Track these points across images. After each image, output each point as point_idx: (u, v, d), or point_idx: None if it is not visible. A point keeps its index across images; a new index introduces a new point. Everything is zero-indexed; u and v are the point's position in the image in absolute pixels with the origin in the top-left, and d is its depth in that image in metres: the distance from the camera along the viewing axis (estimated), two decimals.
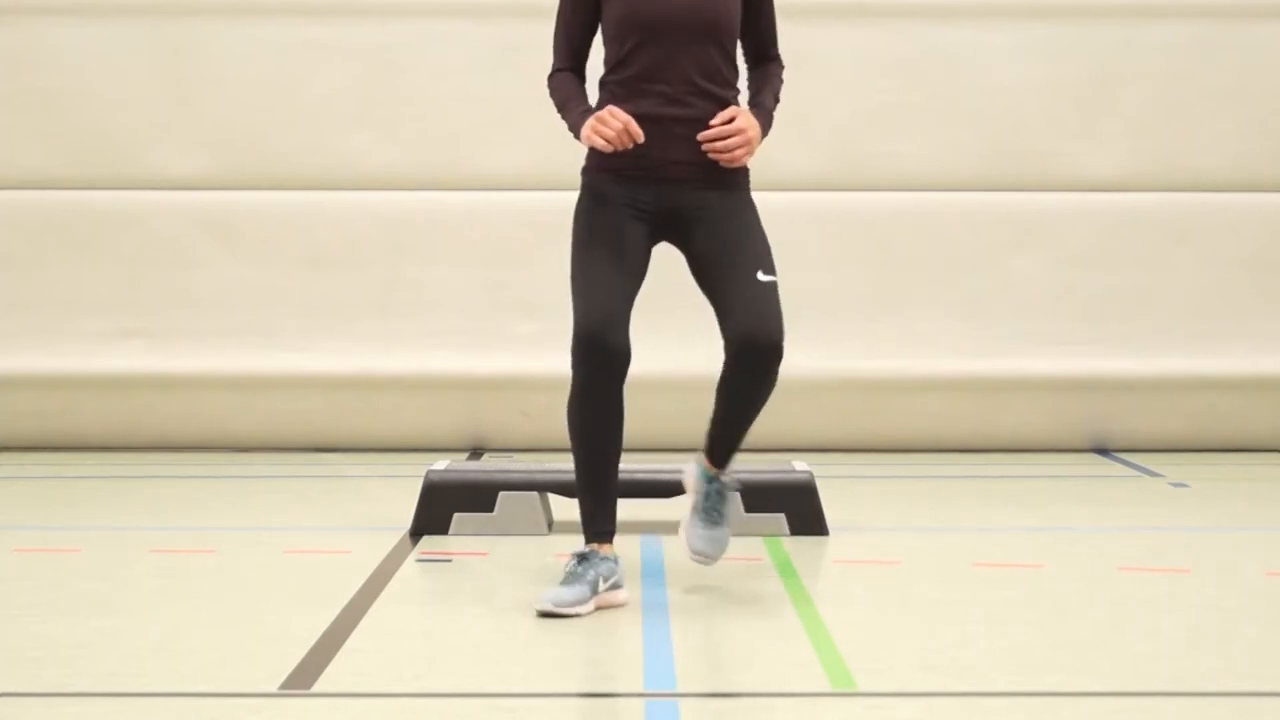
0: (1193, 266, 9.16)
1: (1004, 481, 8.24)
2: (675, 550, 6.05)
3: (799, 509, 6.39)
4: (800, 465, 6.61)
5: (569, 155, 9.24)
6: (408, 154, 9.14)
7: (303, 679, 4.27)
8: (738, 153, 5.13)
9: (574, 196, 9.29)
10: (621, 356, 5.09)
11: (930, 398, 9.10)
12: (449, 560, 5.96)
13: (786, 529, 6.37)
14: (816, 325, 9.10)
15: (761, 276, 5.15)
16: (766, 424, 9.01)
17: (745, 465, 6.60)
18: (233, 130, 9.12)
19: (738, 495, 5.67)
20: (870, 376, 9.09)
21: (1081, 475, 8.40)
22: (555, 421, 9.06)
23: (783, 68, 5.39)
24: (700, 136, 5.12)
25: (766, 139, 5.27)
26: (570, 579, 5.08)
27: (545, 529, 6.38)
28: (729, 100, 5.19)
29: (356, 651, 4.58)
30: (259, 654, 4.56)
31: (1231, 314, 9.15)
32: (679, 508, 6.51)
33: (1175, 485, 7.98)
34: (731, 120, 5.12)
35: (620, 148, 5.12)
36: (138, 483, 8.16)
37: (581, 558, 5.13)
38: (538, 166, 9.08)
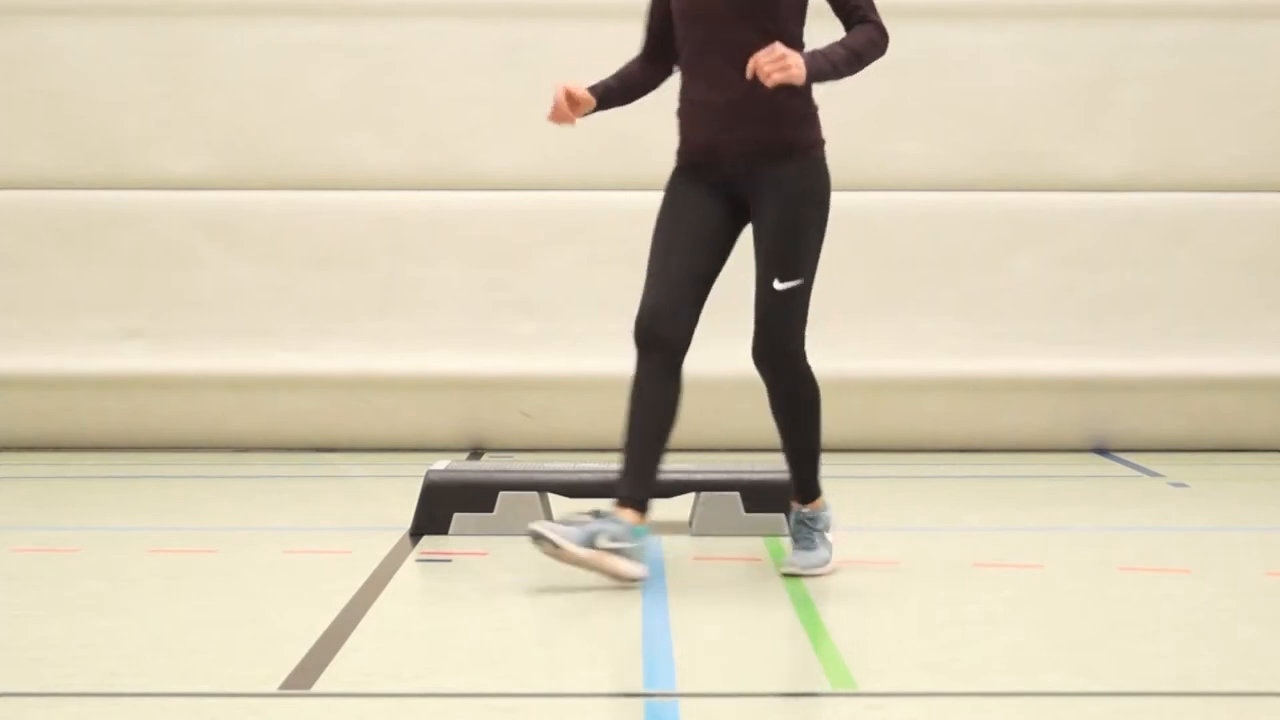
0: (1193, 266, 9.16)
1: (1004, 481, 8.24)
2: (675, 550, 6.05)
3: None
4: None
5: (569, 155, 9.31)
6: (408, 154, 9.14)
7: (303, 679, 4.27)
8: (773, 75, 5.14)
9: (574, 196, 9.36)
10: (670, 349, 5.39)
11: (930, 398, 9.10)
12: (449, 560, 5.96)
13: (787, 529, 6.36)
14: (817, 325, 9.04)
15: (778, 285, 5.44)
16: (766, 424, 9.05)
17: (746, 465, 6.62)
18: (233, 130, 9.11)
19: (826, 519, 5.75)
20: (870, 376, 9.08)
21: (1081, 475, 8.40)
22: (555, 421, 9.15)
23: (874, 27, 5.41)
24: (750, 69, 5.18)
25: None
26: (572, 522, 5.21)
27: None
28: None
29: (356, 651, 4.58)
30: (259, 654, 4.56)
31: (1232, 314, 9.15)
32: (679, 508, 6.53)
33: (1175, 485, 7.98)
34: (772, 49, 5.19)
35: (560, 120, 5.49)
36: (138, 483, 8.16)
37: (596, 513, 5.25)
38: (538, 166, 9.08)
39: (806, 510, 5.64)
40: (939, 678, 4.34)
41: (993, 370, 9.11)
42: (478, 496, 6.37)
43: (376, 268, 9.14)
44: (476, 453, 9.01)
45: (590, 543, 5.17)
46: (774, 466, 6.67)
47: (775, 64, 5.14)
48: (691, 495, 6.46)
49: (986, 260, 9.16)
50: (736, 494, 6.37)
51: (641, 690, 4.21)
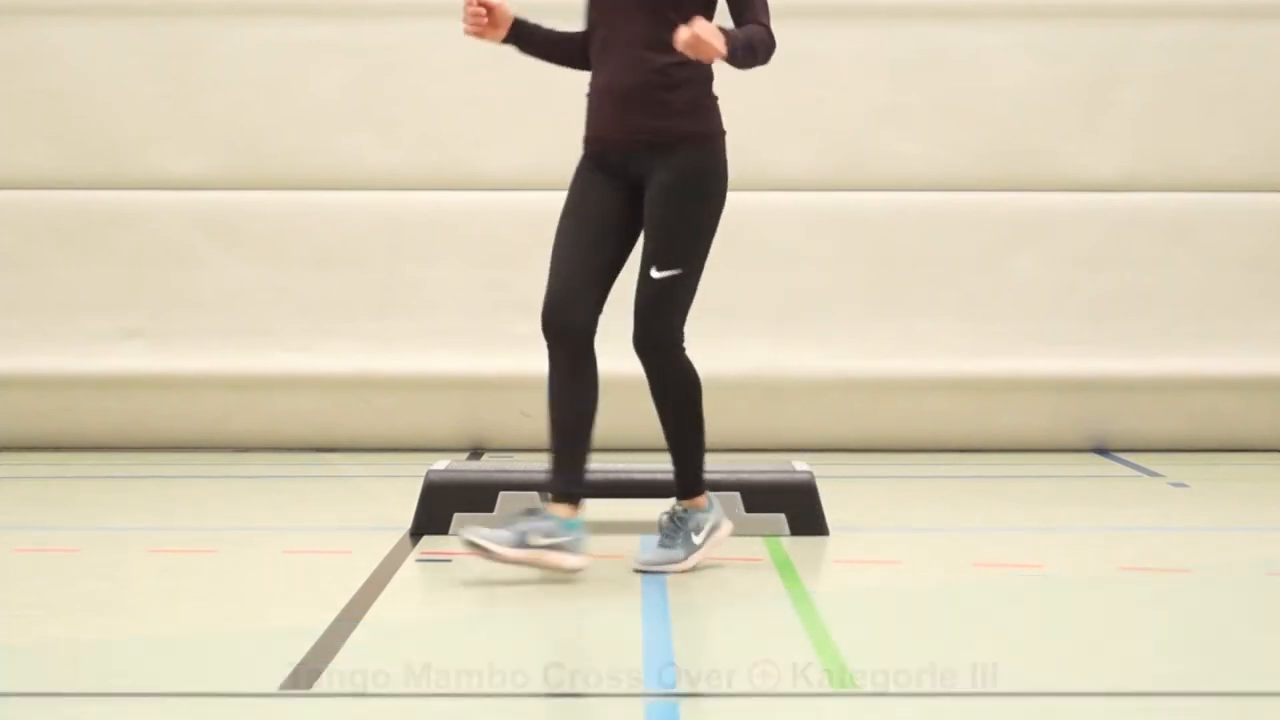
0: (1193, 266, 9.16)
1: (1004, 481, 8.24)
2: None
3: (799, 509, 6.39)
4: (800, 465, 6.61)
5: (569, 155, 9.26)
6: (408, 154, 9.14)
7: (303, 679, 4.27)
8: (714, 44, 5.17)
9: None
10: (576, 335, 5.44)
11: (930, 398, 9.10)
12: (449, 560, 5.96)
13: (786, 529, 6.37)
14: (816, 325, 9.10)
15: (654, 273, 5.46)
16: (767, 424, 9.08)
17: (745, 465, 6.62)
18: (233, 130, 9.11)
19: (709, 513, 5.75)
20: (870, 376, 9.08)
21: (1081, 475, 8.40)
22: None
23: (768, 32, 5.43)
24: (678, 45, 5.20)
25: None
26: (503, 523, 5.18)
27: None
28: (670, 68, 5.37)
29: (356, 651, 4.58)
30: (259, 654, 4.56)
31: (1232, 314, 9.15)
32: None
33: (1175, 485, 7.98)
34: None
35: (474, 25, 5.43)
36: (138, 483, 8.16)
37: (528, 511, 5.24)
38: (538, 166, 9.08)
39: (680, 507, 5.66)
40: (939, 678, 4.34)
41: (993, 370, 9.11)
42: (478, 496, 6.37)
43: (376, 268, 9.14)
44: (476, 453, 9.01)
45: (522, 543, 5.13)
46: (774, 466, 6.68)
47: (710, 31, 5.17)
48: None
49: (986, 260, 9.16)
50: (737, 494, 6.37)
51: (641, 690, 4.21)
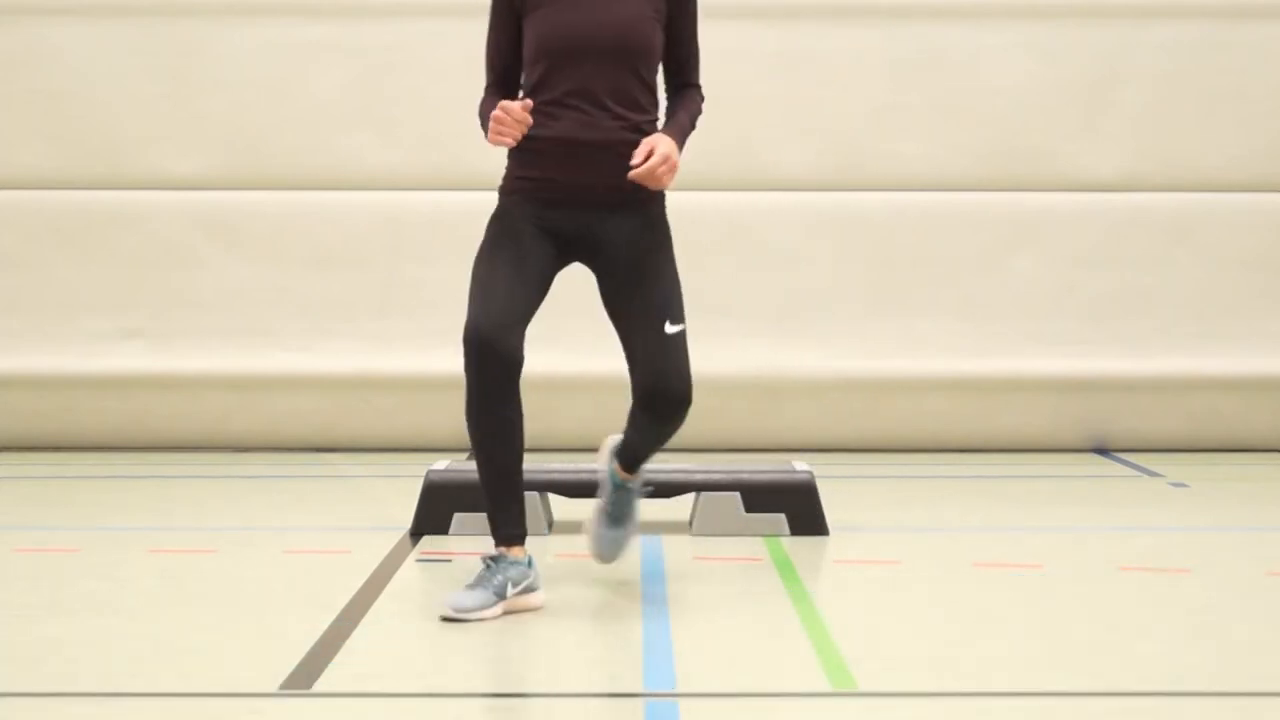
0: (1193, 266, 9.16)
1: (1004, 481, 8.24)
2: (674, 550, 6.05)
3: (799, 509, 6.40)
4: (800, 465, 6.61)
5: None
6: (408, 154, 9.14)
7: (303, 679, 4.27)
8: (665, 180, 5.10)
9: None
10: (511, 363, 5.10)
11: (930, 398, 9.10)
12: (449, 560, 5.96)
13: (786, 529, 6.37)
14: (816, 325, 9.10)
15: (669, 328, 5.20)
16: (767, 424, 9.07)
17: (745, 465, 6.63)
18: (233, 130, 9.11)
19: (638, 499, 5.57)
20: (870, 376, 9.08)
21: (1081, 475, 8.40)
22: (555, 421, 9.15)
23: (702, 97, 5.38)
24: (631, 176, 5.08)
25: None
26: (476, 583, 5.07)
27: (545, 529, 6.38)
28: (643, 125, 5.20)
29: (356, 651, 4.58)
30: (259, 654, 4.56)
31: (1232, 314, 9.15)
32: (677, 508, 6.53)
33: (1175, 485, 7.98)
34: (650, 151, 5.07)
35: (520, 135, 5.22)
36: (138, 483, 8.16)
37: (490, 561, 5.12)
38: None
39: (630, 481, 5.41)
40: (939, 678, 4.34)
41: (993, 370, 9.11)
42: (478, 496, 6.34)
43: (376, 268, 9.14)
44: None
45: (503, 594, 5.09)
46: (774, 466, 6.68)
47: (668, 167, 5.07)
48: (691, 495, 6.46)
49: (986, 260, 9.16)
50: (736, 494, 6.37)
51: (641, 690, 4.22)
